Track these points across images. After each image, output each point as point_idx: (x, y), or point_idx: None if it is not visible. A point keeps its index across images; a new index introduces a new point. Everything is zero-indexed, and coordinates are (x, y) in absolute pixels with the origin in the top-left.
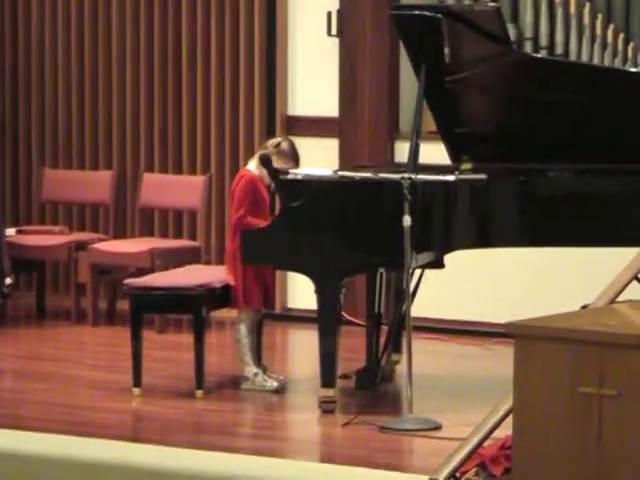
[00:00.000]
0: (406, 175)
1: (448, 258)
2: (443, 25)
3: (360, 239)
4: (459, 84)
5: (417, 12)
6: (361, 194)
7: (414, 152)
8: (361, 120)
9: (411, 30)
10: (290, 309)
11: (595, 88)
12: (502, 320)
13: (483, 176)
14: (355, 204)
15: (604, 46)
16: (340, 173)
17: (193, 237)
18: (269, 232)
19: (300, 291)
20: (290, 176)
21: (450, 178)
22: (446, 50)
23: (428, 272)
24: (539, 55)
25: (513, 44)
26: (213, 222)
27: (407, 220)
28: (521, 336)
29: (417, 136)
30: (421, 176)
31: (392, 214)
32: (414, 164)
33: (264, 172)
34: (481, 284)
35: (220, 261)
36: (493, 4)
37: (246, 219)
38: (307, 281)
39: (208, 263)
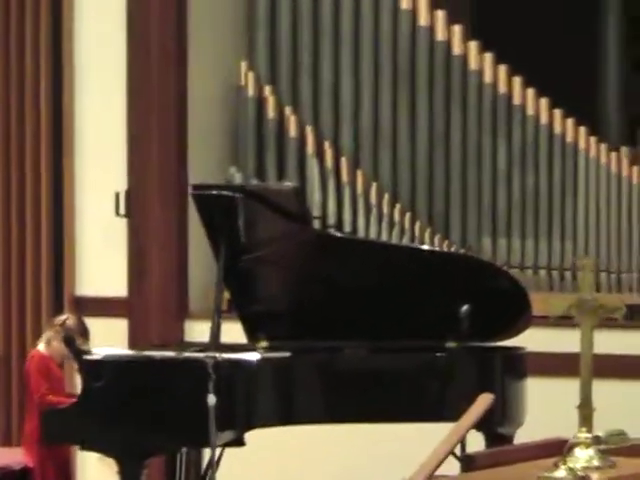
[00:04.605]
0: (211, 354)
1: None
2: (240, 204)
3: (163, 418)
4: (255, 262)
5: (215, 192)
6: (163, 373)
7: (216, 331)
8: (150, 300)
9: (210, 209)
10: None
11: (390, 265)
12: None
13: (286, 354)
14: (157, 383)
15: (392, 224)
16: (143, 352)
17: None
18: (71, 412)
19: (89, 471)
20: (91, 356)
21: (254, 356)
22: (243, 229)
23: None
24: (337, 233)
25: (312, 222)
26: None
27: (212, 399)
28: None
29: (219, 315)
30: (225, 355)
31: (195, 393)
32: (216, 342)
33: (55, 351)
34: (284, 462)
35: (7, 443)
36: (290, 184)
37: (48, 397)
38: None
39: None
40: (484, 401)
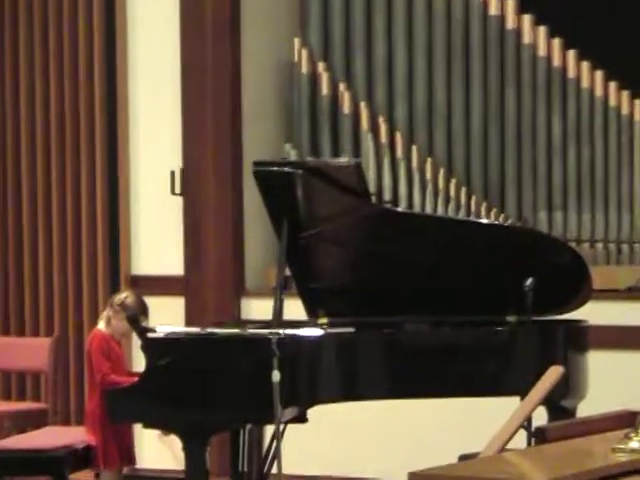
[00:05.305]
0: (274, 330)
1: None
2: (301, 180)
3: (227, 395)
4: (315, 238)
5: (277, 168)
6: (228, 350)
7: (278, 307)
8: (206, 277)
9: (272, 186)
10: (138, 469)
11: (451, 240)
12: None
13: (350, 330)
14: (222, 360)
15: (447, 199)
16: (207, 330)
17: (36, 399)
18: (135, 391)
19: (148, 450)
20: (157, 334)
21: (318, 332)
22: (304, 205)
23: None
24: (397, 208)
25: (371, 198)
26: (58, 384)
27: (276, 375)
28: None
29: (281, 292)
30: (289, 331)
31: (260, 369)
32: (279, 320)
33: (115, 329)
34: (346, 438)
35: (65, 423)
36: (351, 159)
37: (110, 376)
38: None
39: (55, 425)
40: (554, 373)
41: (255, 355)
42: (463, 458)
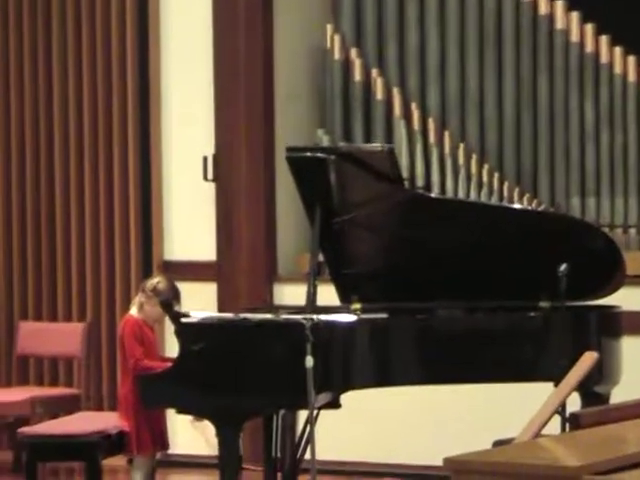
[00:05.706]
0: (308, 316)
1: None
2: (335, 166)
3: (261, 381)
4: (349, 224)
5: (310, 154)
6: (262, 335)
7: (312, 293)
8: (239, 263)
9: (305, 172)
10: (169, 455)
11: (485, 225)
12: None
13: (383, 315)
14: (255, 346)
15: (480, 185)
16: (241, 315)
17: (69, 384)
18: (168, 376)
19: (181, 435)
20: (190, 319)
21: (351, 318)
22: (337, 191)
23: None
24: (431, 194)
25: (404, 183)
26: (91, 369)
27: (310, 361)
28: (460, 472)
29: (314, 277)
30: (322, 317)
31: (293, 355)
32: (313, 305)
33: (147, 314)
34: (379, 424)
35: (98, 408)
36: (384, 144)
37: (143, 362)
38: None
39: (87, 410)
40: (589, 359)
41: (288, 340)
42: (498, 444)
